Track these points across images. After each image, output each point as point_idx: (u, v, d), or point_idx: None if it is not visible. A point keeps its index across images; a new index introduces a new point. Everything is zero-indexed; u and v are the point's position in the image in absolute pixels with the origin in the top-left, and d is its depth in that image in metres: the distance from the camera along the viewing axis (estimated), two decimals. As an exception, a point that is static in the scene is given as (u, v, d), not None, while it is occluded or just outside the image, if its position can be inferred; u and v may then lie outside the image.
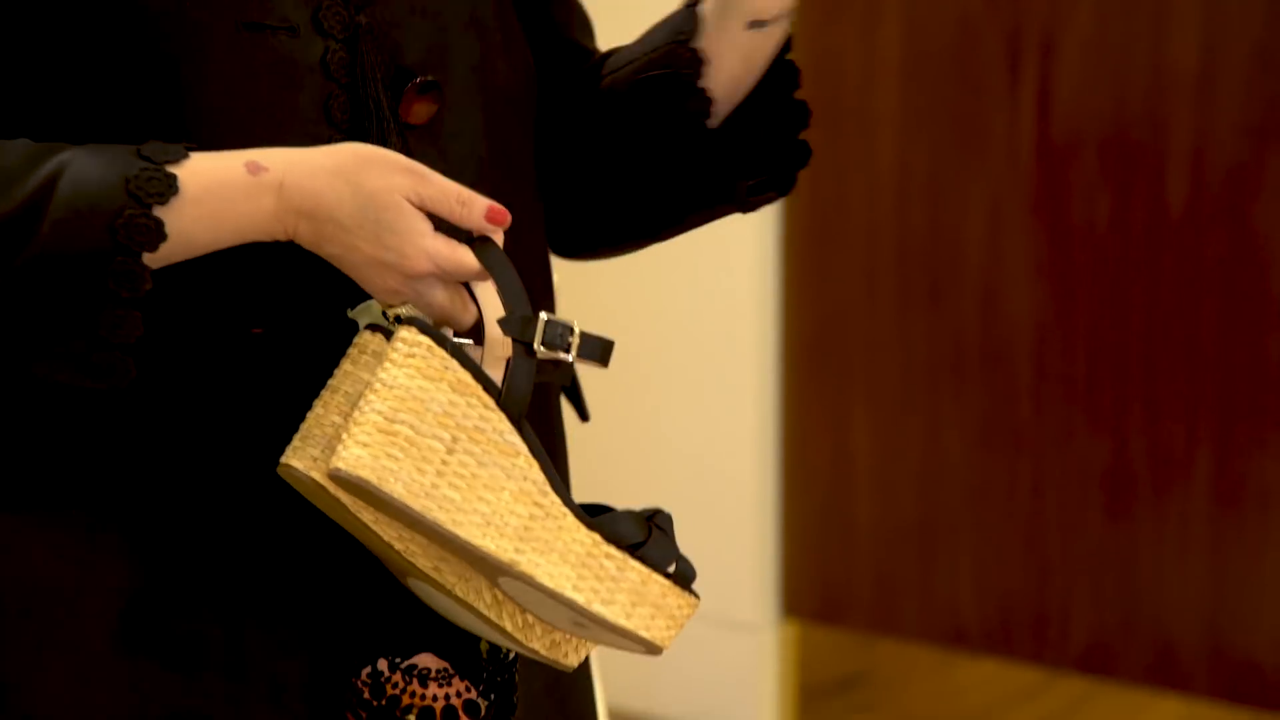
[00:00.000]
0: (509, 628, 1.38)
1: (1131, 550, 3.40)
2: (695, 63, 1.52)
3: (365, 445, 1.31)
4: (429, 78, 1.42)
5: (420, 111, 1.42)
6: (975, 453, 3.48)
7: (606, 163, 1.56)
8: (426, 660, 1.44)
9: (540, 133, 1.56)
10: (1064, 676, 3.48)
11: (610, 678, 3.41)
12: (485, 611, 1.37)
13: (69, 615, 1.39)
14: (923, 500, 3.54)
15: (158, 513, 1.39)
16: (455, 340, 1.36)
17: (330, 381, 1.36)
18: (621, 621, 1.36)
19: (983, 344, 3.45)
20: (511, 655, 1.46)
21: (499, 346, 1.36)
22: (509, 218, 1.37)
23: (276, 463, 1.37)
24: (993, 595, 3.50)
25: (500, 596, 1.37)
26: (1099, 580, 3.42)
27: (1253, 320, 3.28)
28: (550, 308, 1.52)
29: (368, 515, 1.34)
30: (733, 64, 1.52)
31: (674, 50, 1.53)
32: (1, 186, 1.32)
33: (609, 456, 3.45)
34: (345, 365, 1.36)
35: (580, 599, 1.35)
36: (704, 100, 1.52)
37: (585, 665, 1.56)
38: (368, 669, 1.43)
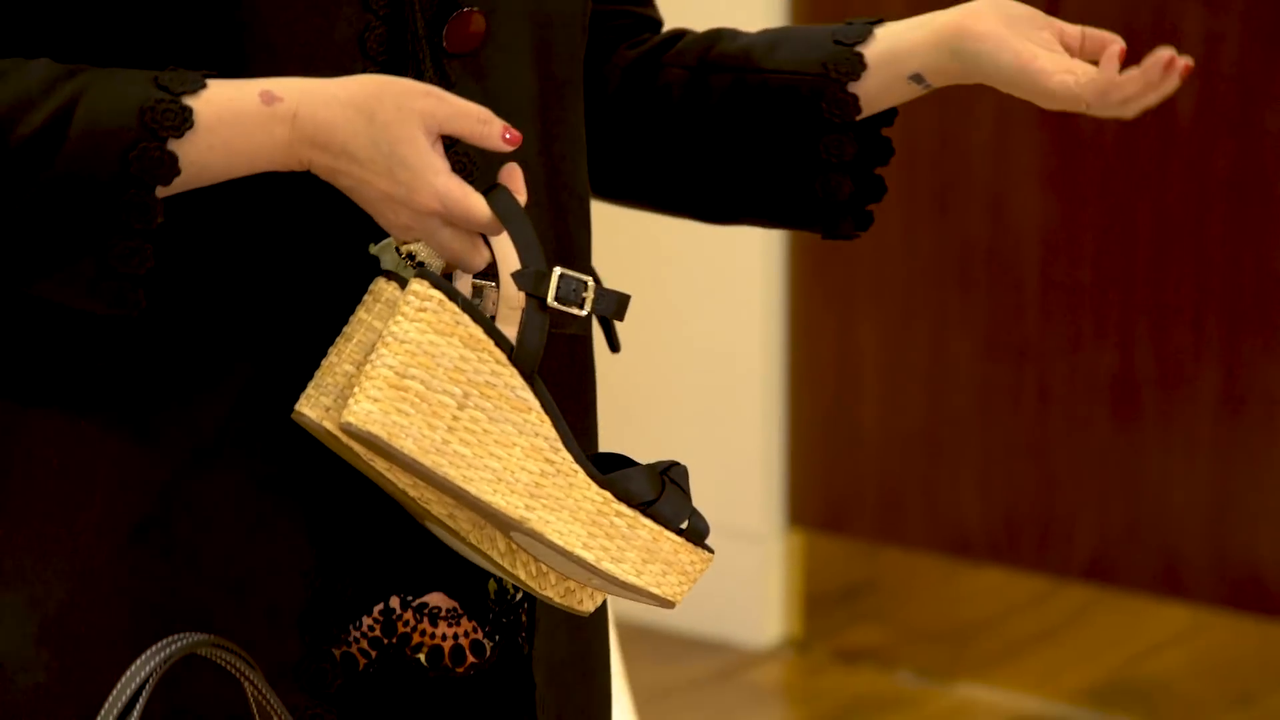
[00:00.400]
0: (522, 576, 1.37)
1: (1137, 459, 3.40)
2: (846, 106, 1.51)
3: (376, 400, 1.30)
4: (475, 8, 1.41)
5: (464, 37, 1.41)
6: (981, 361, 3.48)
7: (687, 145, 1.54)
8: (437, 599, 1.44)
9: (599, 81, 1.55)
10: (1069, 585, 3.49)
11: (617, 586, 3.42)
12: (499, 560, 1.36)
13: (75, 503, 1.39)
14: (928, 409, 3.54)
15: (175, 428, 1.39)
16: (474, 281, 1.36)
17: (345, 329, 1.35)
18: (632, 579, 1.35)
19: (989, 252, 3.44)
20: (519, 596, 1.46)
21: (514, 299, 1.35)
22: (520, 140, 1.35)
23: (290, 396, 1.36)
24: (998, 504, 3.51)
25: (514, 546, 1.36)
26: (1104, 488, 3.43)
27: (1260, 228, 3.28)
28: (586, 240, 1.51)
29: (381, 464, 1.33)
30: (871, 107, 1.52)
31: (828, 85, 1.51)
32: (20, 109, 1.31)
33: (615, 367, 3.46)
34: (360, 313, 1.35)
35: (590, 557, 1.34)
36: (842, 146, 1.52)
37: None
38: (379, 606, 1.42)
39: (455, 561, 1.43)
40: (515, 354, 1.33)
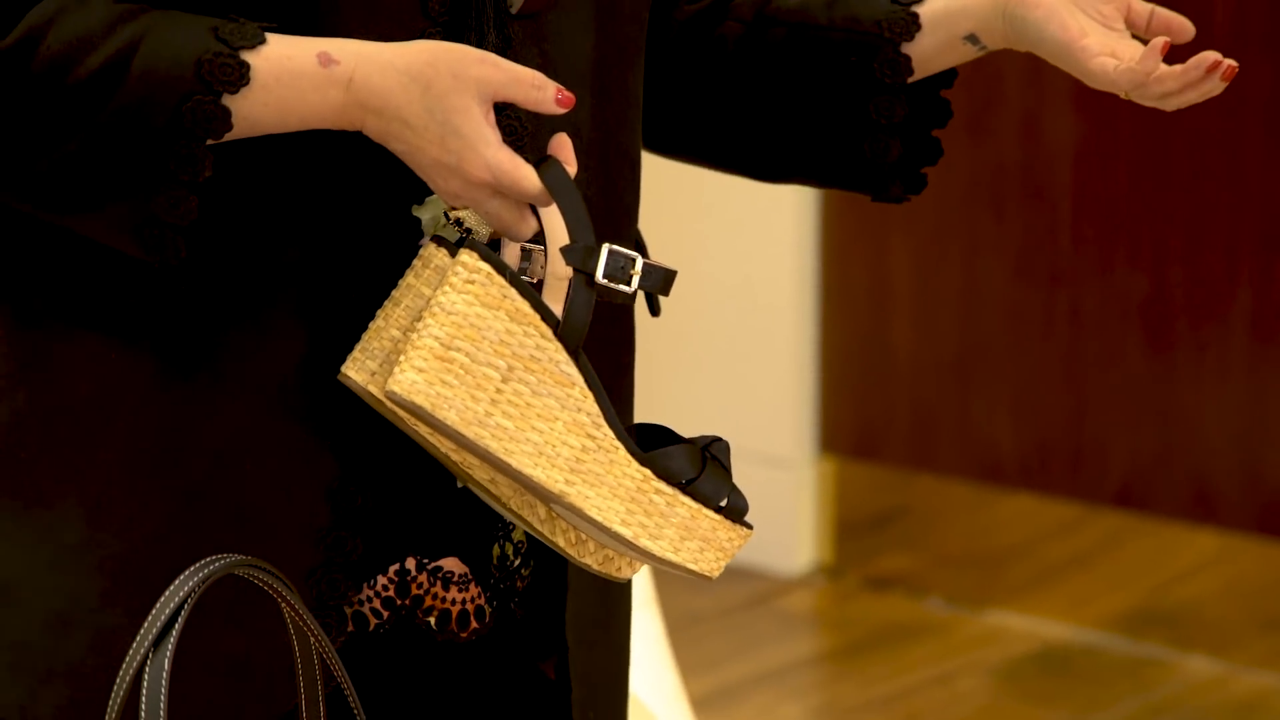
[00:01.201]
0: (561, 543, 1.38)
1: (1169, 384, 3.39)
2: (898, 66, 1.51)
3: (421, 370, 1.31)
4: None
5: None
6: (1013, 286, 3.47)
7: (739, 100, 1.53)
8: (452, 564, 1.44)
9: (658, 33, 1.54)
10: (1101, 511, 3.49)
11: (647, 514, 3.43)
12: (538, 526, 1.37)
13: (99, 436, 1.38)
14: (960, 335, 3.53)
15: (204, 373, 1.38)
16: (523, 245, 1.36)
17: (394, 293, 1.36)
18: (669, 555, 1.36)
19: (1022, 174, 3.43)
20: (517, 563, 1.47)
21: (560, 271, 1.35)
22: (573, 102, 1.35)
23: (325, 355, 1.37)
24: (1030, 430, 3.50)
25: (554, 514, 1.37)
26: (1136, 414, 3.42)
27: (1296, 150, 3.26)
28: (634, 203, 1.51)
29: (424, 430, 1.34)
30: (927, 68, 1.51)
31: (881, 45, 1.50)
32: (80, 49, 1.31)
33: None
34: (408, 278, 1.35)
35: (627, 533, 1.35)
36: (893, 107, 1.51)
37: None
38: (395, 566, 1.42)
39: (471, 527, 1.43)
40: (561, 329, 1.34)
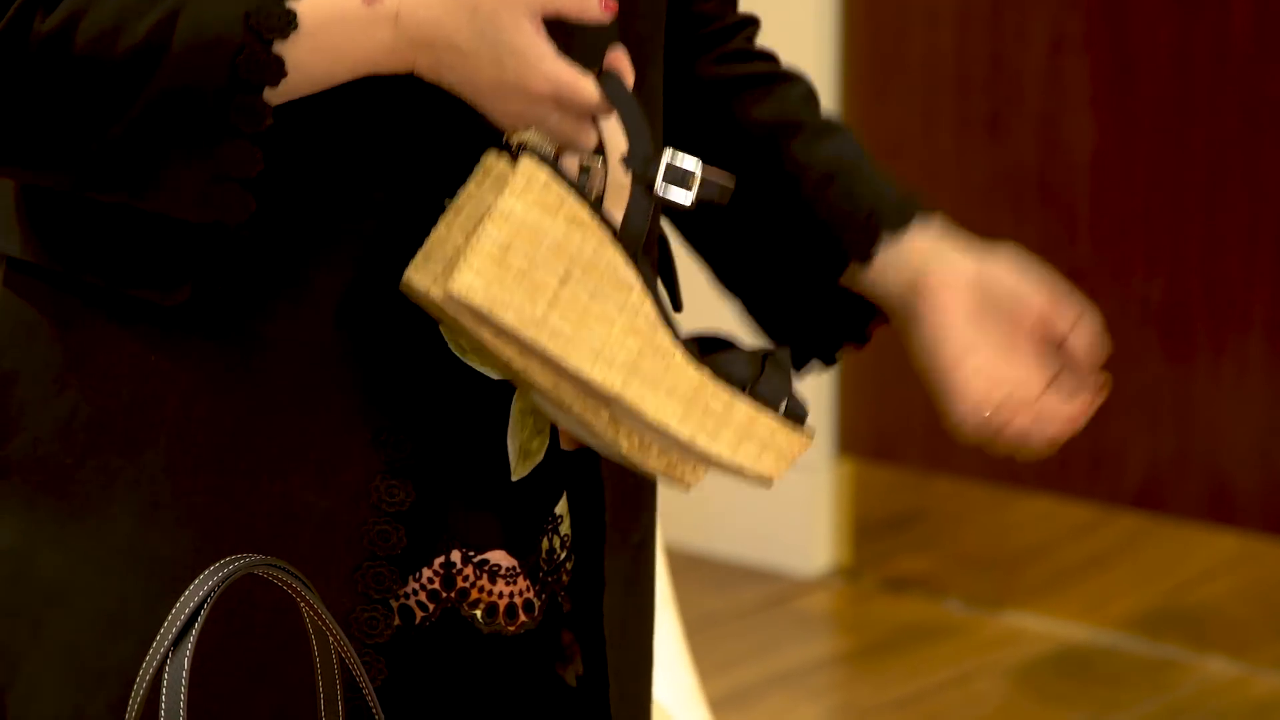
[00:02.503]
0: (625, 447, 1.38)
1: (1187, 386, 3.39)
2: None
3: (480, 273, 1.32)
4: None
5: None
6: (1032, 288, 3.47)
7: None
8: (499, 557, 1.43)
9: (672, 79, 1.55)
10: (1119, 512, 3.49)
11: (666, 517, 3.42)
12: (602, 431, 1.37)
13: (142, 437, 1.39)
14: (978, 336, 3.53)
15: (244, 370, 1.39)
16: (583, 164, 1.36)
17: (455, 201, 1.36)
18: (727, 455, 1.36)
19: (1041, 176, 3.43)
20: (563, 555, 1.47)
21: (621, 180, 1.35)
22: (617, 8, 1.35)
23: (365, 347, 1.38)
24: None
25: (617, 418, 1.37)
26: (1154, 416, 3.42)
27: (1314, 153, 3.26)
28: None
29: (487, 334, 1.34)
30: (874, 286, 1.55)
31: (839, 261, 1.54)
32: (126, 19, 1.31)
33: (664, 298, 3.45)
34: (470, 186, 1.36)
35: (685, 433, 1.35)
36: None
37: (652, 567, 1.57)
38: (440, 559, 1.42)
39: (519, 519, 1.43)
40: (619, 234, 1.34)
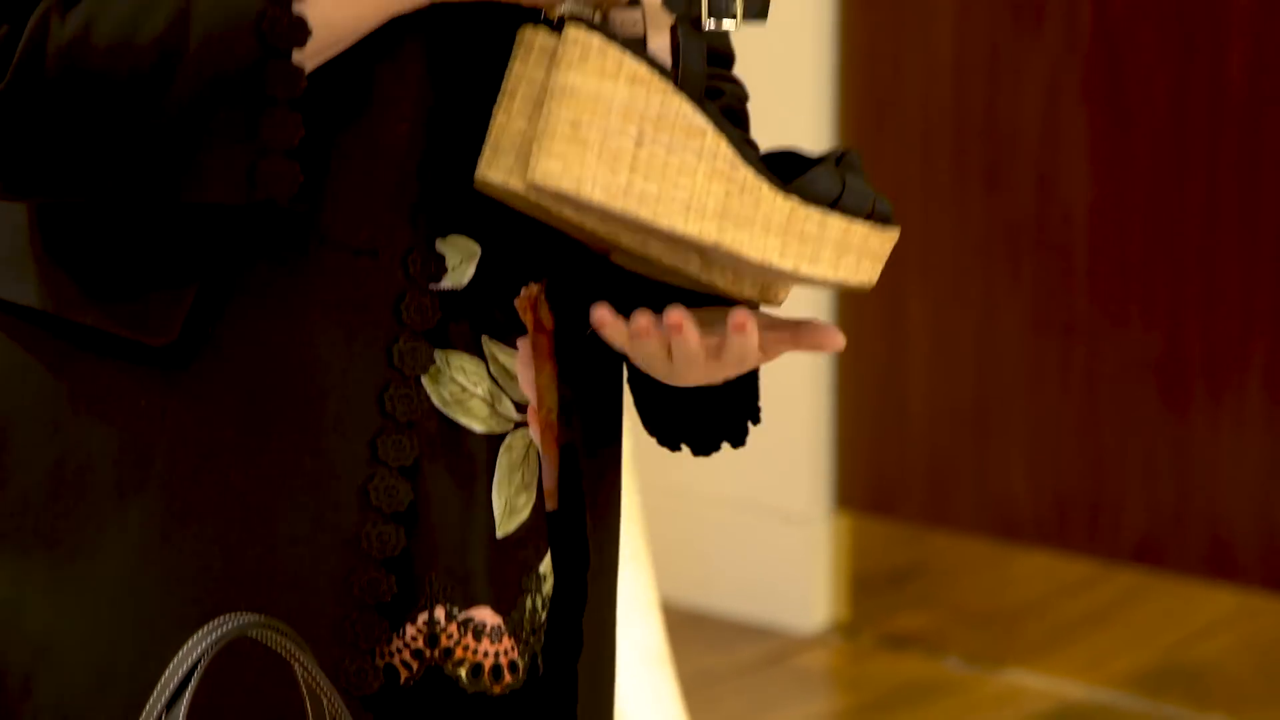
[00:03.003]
0: (720, 284, 1.40)
1: (1186, 440, 3.38)
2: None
3: (558, 156, 1.32)
4: None
5: None
6: (1029, 341, 3.46)
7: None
8: (483, 614, 1.43)
9: None
10: (1118, 567, 3.47)
11: (662, 571, 3.41)
12: (695, 274, 1.38)
13: (131, 484, 1.38)
14: (976, 390, 3.52)
15: (231, 419, 1.37)
16: (623, 18, 1.37)
17: (505, 86, 1.36)
18: (830, 275, 1.37)
19: (1038, 228, 3.42)
20: (544, 616, 1.46)
21: (659, 15, 1.35)
22: None
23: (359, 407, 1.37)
24: (1046, 485, 3.49)
25: (709, 259, 1.39)
26: (1153, 470, 3.40)
27: (1312, 205, 3.25)
28: None
29: (570, 213, 1.36)
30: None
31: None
32: (142, 12, 1.30)
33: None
34: (515, 67, 1.36)
35: (788, 265, 1.36)
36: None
37: (612, 611, 1.55)
38: (424, 615, 1.41)
39: (501, 575, 1.42)
40: (680, 80, 1.35)
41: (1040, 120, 3.39)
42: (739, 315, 1.37)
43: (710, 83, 1.58)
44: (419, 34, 1.37)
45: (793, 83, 3.43)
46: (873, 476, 3.62)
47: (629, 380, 1.53)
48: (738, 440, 1.57)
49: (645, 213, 1.33)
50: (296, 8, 1.30)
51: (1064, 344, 3.44)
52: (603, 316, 1.38)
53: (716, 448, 1.57)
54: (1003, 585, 3.58)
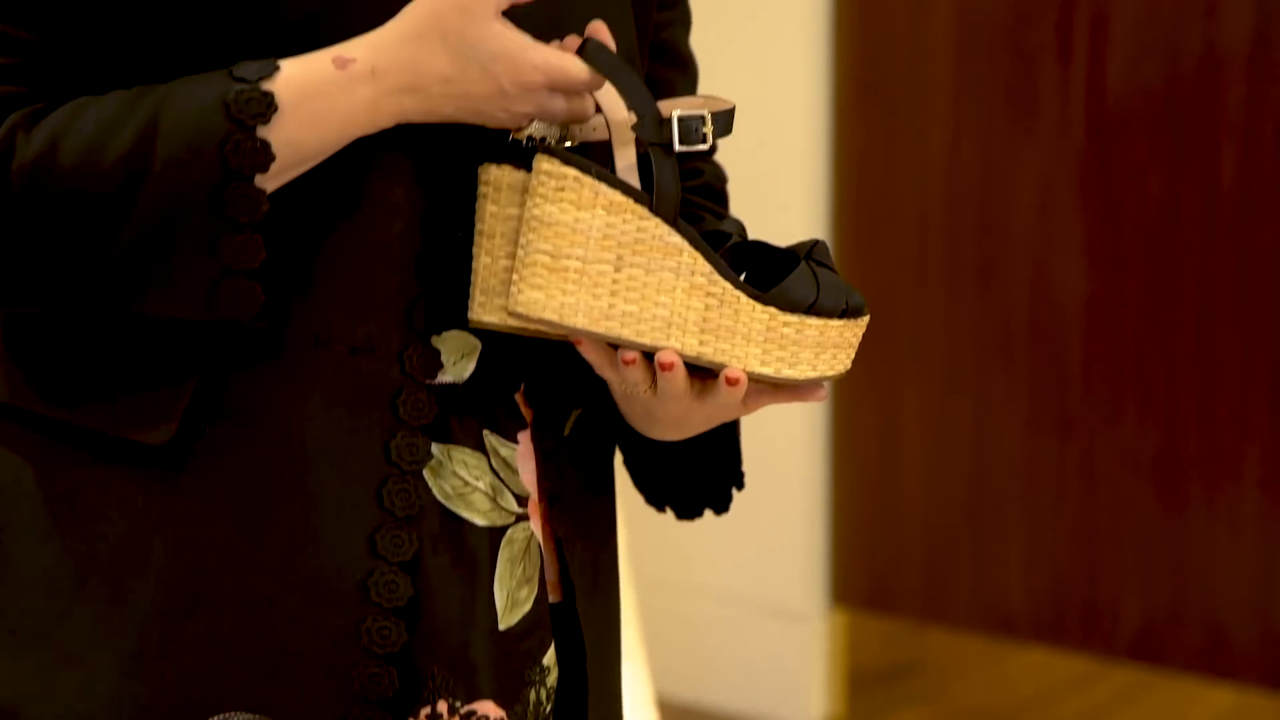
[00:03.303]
0: (713, 361, 1.43)
1: (1182, 538, 3.37)
2: None
3: (540, 287, 1.36)
4: None
5: None
6: (1025, 438, 3.46)
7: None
8: (486, 708, 1.43)
9: None
10: (1115, 665, 3.46)
11: (658, 668, 3.40)
12: (691, 355, 1.41)
13: (130, 582, 1.38)
14: (972, 486, 3.52)
15: (227, 513, 1.38)
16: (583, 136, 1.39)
17: (481, 228, 1.39)
18: (809, 374, 1.42)
19: (1032, 326, 3.43)
20: (548, 709, 1.47)
21: (624, 131, 1.38)
22: None
23: (350, 497, 1.38)
24: (1043, 583, 3.48)
25: (703, 342, 1.42)
26: (1149, 568, 3.40)
27: (1306, 302, 3.26)
28: None
29: (561, 333, 1.39)
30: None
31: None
32: (108, 132, 1.32)
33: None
34: (489, 207, 1.39)
35: (769, 371, 1.41)
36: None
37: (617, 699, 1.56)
38: (426, 710, 1.41)
39: (504, 669, 1.43)
40: (655, 205, 1.38)
41: (1034, 217, 3.41)
42: (734, 372, 1.40)
43: (688, 164, 1.60)
44: (408, 137, 1.38)
45: (788, 177, 3.45)
46: (869, 572, 3.62)
47: (619, 439, 1.55)
48: (721, 507, 1.58)
49: (628, 333, 1.37)
50: (260, 131, 1.32)
51: (1060, 440, 3.44)
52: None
53: (699, 513, 1.58)
54: (1000, 682, 3.56)
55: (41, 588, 1.38)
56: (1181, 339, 3.34)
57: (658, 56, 1.59)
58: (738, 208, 1.64)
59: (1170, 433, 3.36)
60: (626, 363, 1.39)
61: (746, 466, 1.59)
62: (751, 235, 1.55)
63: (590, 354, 1.40)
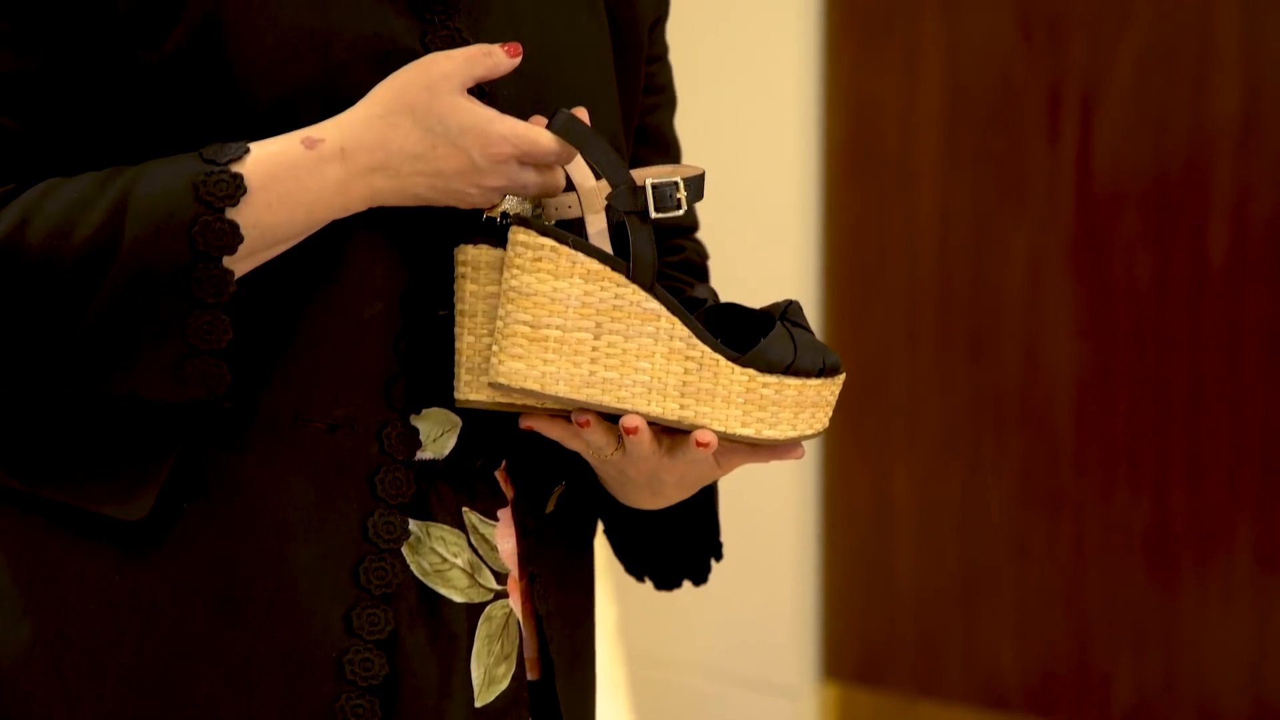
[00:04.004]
0: (695, 424, 1.43)
1: (1174, 611, 3.36)
2: None
3: (519, 357, 1.36)
4: None
5: None
6: (1016, 511, 3.46)
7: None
8: None
9: None
10: (1107, 739, 3.45)
11: (648, 740, 3.38)
12: (673, 418, 1.41)
13: (106, 655, 1.37)
14: (964, 559, 3.51)
15: (201, 587, 1.38)
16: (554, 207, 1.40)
17: (462, 308, 1.39)
18: (789, 434, 1.43)
19: (1023, 399, 3.43)
20: None
21: (594, 199, 1.39)
22: (520, 49, 1.38)
23: (327, 572, 1.38)
24: (1034, 656, 3.47)
25: (685, 404, 1.43)
26: (1140, 642, 3.39)
27: (1296, 377, 3.26)
28: None
29: (548, 404, 1.39)
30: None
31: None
32: (78, 211, 1.32)
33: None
34: (468, 286, 1.39)
35: (749, 432, 1.42)
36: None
37: None
38: None
39: None
40: (632, 272, 1.38)
41: (1024, 290, 3.41)
42: (705, 434, 1.40)
43: (670, 241, 1.61)
44: (385, 217, 1.39)
45: (779, 249, 3.45)
46: (860, 646, 3.61)
47: (601, 510, 1.55)
48: (699, 577, 1.58)
49: (609, 399, 1.37)
50: (229, 213, 1.32)
51: (1050, 515, 3.44)
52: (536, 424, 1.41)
53: (678, 583, 1.58)
54: (991, 756, 3.55)
55: (16, 665, 1.38)
56: (1172, 412, 3.34)
57: (642, 140, 1.59)
58: (730, 279, 1.64)
59: (1161, 506, 3.36)
60: (582, 425, 1.39)
61: (737, 538, 1.60)
62: (741, 301, 1.56)
63: (547, 431, 1.41)
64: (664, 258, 1.61)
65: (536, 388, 1.36)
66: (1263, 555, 3.31)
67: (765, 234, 3.43)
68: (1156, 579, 3.37)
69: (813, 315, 3.47)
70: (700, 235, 1.69)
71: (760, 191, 3.41)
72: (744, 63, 3.43)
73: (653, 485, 1.46)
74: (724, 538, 1.64)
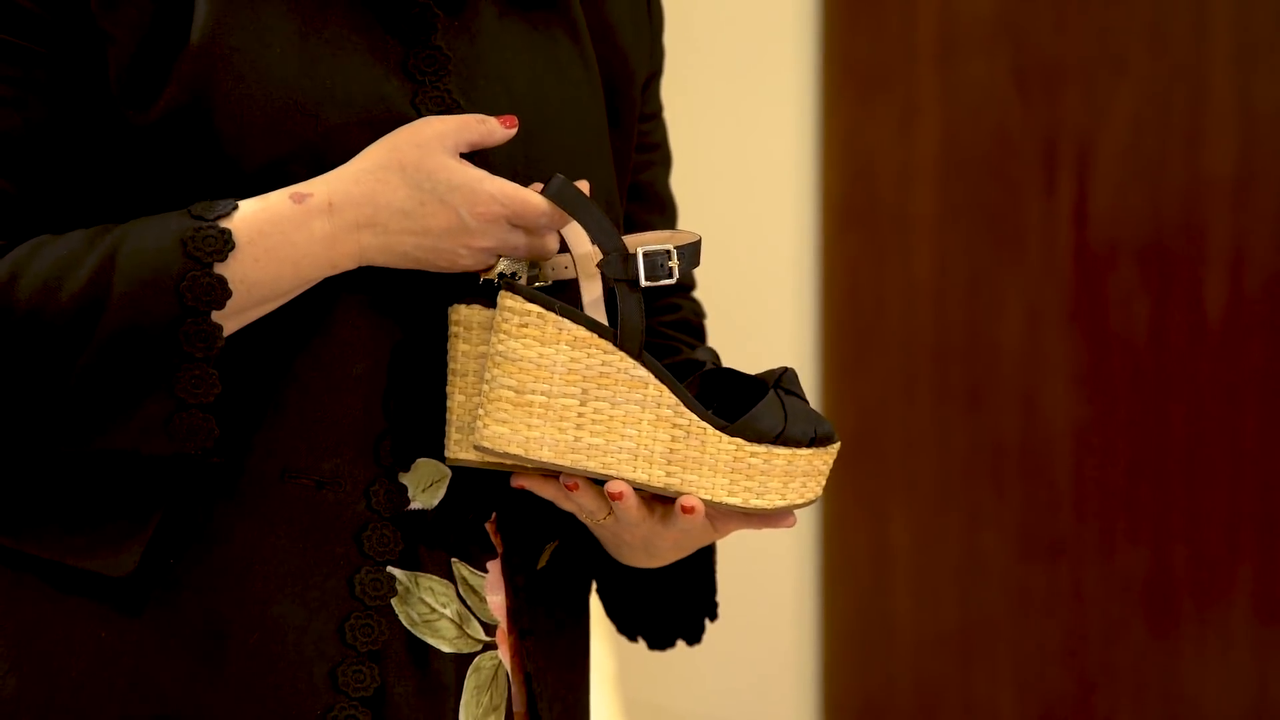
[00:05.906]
0: (681, 491, 1.43)
1: (1172, 662, 3.36)
2: None
3: (505, 421, 1.36)
4: None
5: None
6: (1015, 561, 3.46)
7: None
8: None
9: None
10: (1107, 790, 3.44)
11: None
12: (659, 486, 1.41)
13: (91, 714, 1.38)
14: (962, 608, 3.51)
15: (187, 643, 1.38)
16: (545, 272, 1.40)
17: (454, 367, 1.40)
18: (778, 504, 1.42)
19: (1021, 450, 3.43)
20: None
21: (589, 265, 1.39)
22: (516, 121, 1.38)
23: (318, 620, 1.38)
24: (1033, 706, 3.47)
25: (671, 472, 1.42)
26: (1141, 691, 3.38)
27: (1293, 427, 3.26)
28: None
29: (531, 468, 1.39)
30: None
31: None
32: (67, 268, 1.33)
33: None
34: (460, 346, 1.39)
35: (737, 501, 1.41)
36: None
37: None
38: None
39: None
40: (620, 339, 1.38)
41: (1021, 341, 3.42)
42: (690, 499, 1.40)
43: (666, 299, 1.61)
44: (375, 275, 1.39)
45: (775, 301, 3.46)
46: (860, 697, 3.60)
47: (594, 567, 1.55)
48: (693, 637, 1.58)
49: (594, 465, 1.38)
50: (217, 268, 1.33)
51: (1049, 565, 3.44)
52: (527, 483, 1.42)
53: (672, 643, 1.59)
54: (991, 806, 3.54)
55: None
56: (1171, 463, 3.34)
57: (636, 198, 1.60)
58: (727, 331, 1.65)
59: (1161, 556, 3.36)
60: (571, 489, 1.40)
61: (736, 588, 1.60)
62: (739, 360, 1.56)
63: (540, 490, 1.41)
64: (660, 317, 1.61)
65: (520, 452, 1.36)
66: (1262, 606, 3.31)
67: (763, 285, 3.43)
68: (1156, 629, 3.37)
69: (809, 366, 3.48)
70: (698, 285, 1.69)
71: (758, 243, 3.42)
72: (741, 114, 3.45)
73: (648, 549, 1.47)
74: (722, 588, 1.63)
